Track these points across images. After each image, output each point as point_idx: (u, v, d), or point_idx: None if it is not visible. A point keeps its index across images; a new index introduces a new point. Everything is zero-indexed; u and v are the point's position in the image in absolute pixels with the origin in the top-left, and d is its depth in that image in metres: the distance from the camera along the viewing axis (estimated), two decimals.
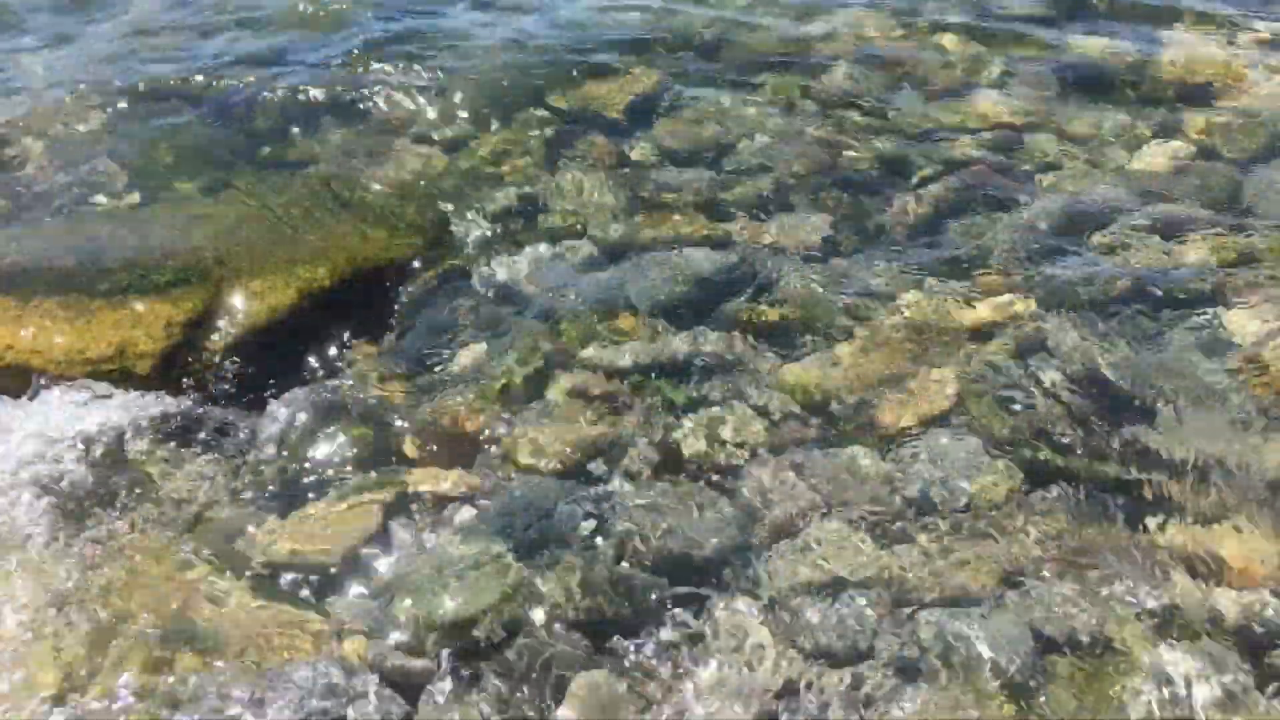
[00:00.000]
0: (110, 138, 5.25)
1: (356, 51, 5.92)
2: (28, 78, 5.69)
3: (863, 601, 3.13)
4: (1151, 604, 3.10)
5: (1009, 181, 5.02)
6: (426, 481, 3.58)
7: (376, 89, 5.58)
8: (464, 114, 5.44)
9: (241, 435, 3.79)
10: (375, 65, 5.80)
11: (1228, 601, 3.11)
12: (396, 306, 4.30)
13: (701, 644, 3.02)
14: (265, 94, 5.51)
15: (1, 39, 6.13)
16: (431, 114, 5.42)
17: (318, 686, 2.82)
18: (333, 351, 4.11)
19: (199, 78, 5.65)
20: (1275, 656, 2.95)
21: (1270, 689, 2.86)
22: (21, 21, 6.37)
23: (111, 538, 3.38)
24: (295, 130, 5.31)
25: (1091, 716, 2.80)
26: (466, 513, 3.48)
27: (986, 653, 2.95)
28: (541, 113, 5.45)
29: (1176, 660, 2.90)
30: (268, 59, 5.88)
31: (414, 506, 3.49)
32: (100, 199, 4.83)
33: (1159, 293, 4.37)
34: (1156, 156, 5.14)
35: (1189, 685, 2.84)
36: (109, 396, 3.82)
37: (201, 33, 6.11)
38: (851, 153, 5.19)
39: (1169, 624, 3.04)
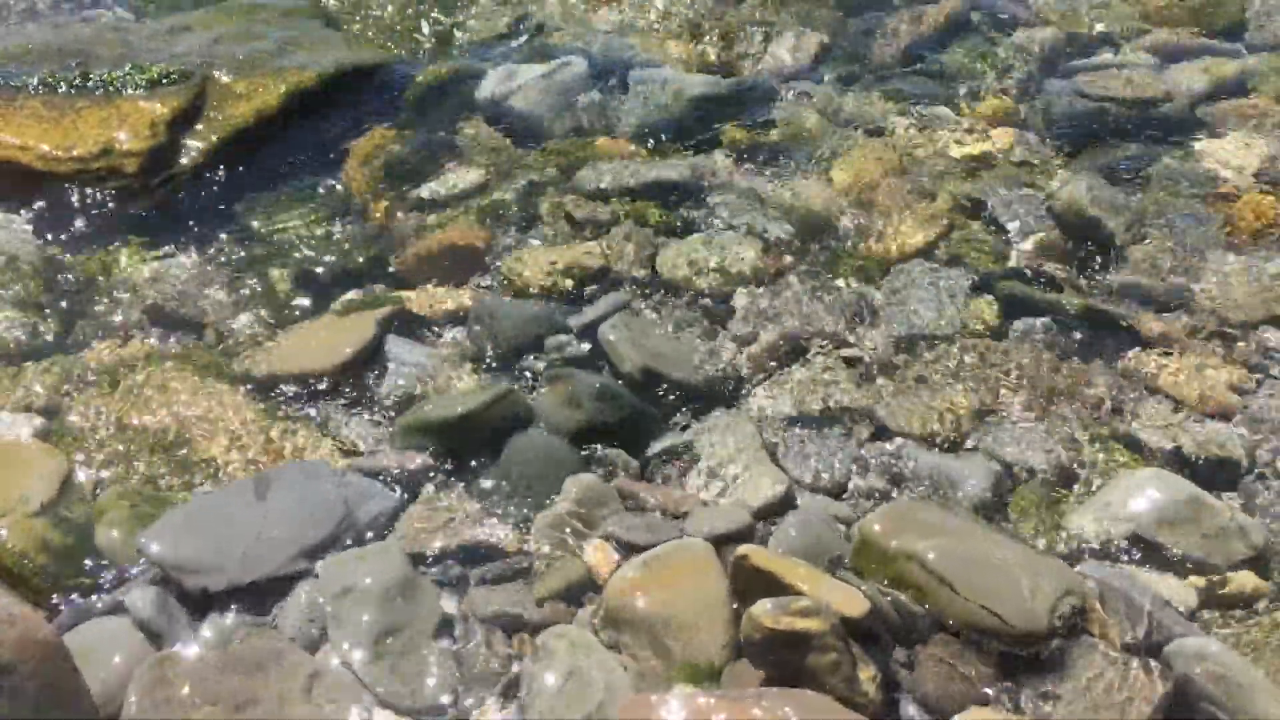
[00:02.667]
0: None
1: None
2: None
3: (843, 431, 3.21)
4: (1116, 432, 3.19)
5: (1008, 4, 4.95)
6: (418, 297, 3.62)
7: None
8: None
9: (229, 241, 3.79)
10: None
11: (1189, 429, 3.21)
12: (386, 114, 4.26)
13: (686, 456, 3.11)
14: None
15: None
16: None
17: (314, 485, 2.89)
18: (323, 157, 4.08)
19: None
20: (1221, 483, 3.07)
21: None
22: None
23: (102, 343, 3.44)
24: None
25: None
26: (458, 328, 3.53)
27: (958, 482, 3.02)
28: None
29: (1133, 482, 2.99)
30: None
31: (406, 321, 3.52)
32: (84, 7, 4.75)
33: (1150, 121, 4.38)
34: None
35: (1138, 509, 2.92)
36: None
37: None
38: None
39: (1132, 450, 3.14)
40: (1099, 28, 4.85)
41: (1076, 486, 3.03)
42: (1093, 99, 4.47)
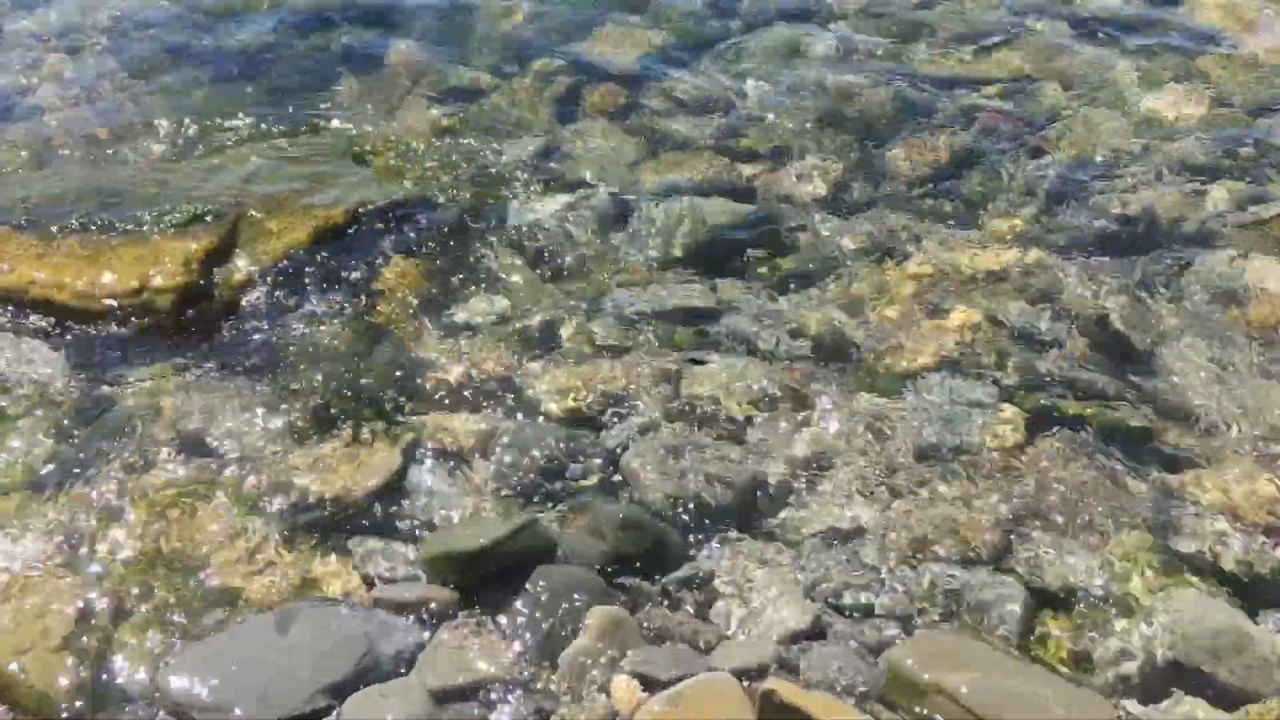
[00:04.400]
0: (137, 91, 5.29)
1: (368, 13, 5.97)
2: (57, 31, 5.76)
3: (871, 550, 3.17)
4: (1154, 545, 3.13)
5: (1021, 127, 5.03)
6: (443, 424, 3.64)
7: (390, 46, 5.63)
8: (477, 68, 5.47)
9: (260, 371, 3.84)
10: (388, 24, 5.84)
11: (1226, 541, 3.15)
12: (413, 247, 4.35)
13: (711, 584, 3.09)
14: (285, 52, 5.56)
15: None
16: (445, 70, 5.46)
17: (336, 620, 2.88)
18: (350, 287, 4.15)
19: (225, 37, 5.69)
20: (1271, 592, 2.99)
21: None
22: None
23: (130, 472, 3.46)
24: (313, 87, 5.35)
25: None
26: (481, 454, 3.53)
27: (991, 606, 2.97)
28: (555, 64, 5.46)
29: (1173, 603, 2.93)
30: (289, 20, 5.91)
31: (430, 446, 3.54)
32: (123, 149, 4.90)
33: (1170, 238, 4.41)
34: (1169, 101, 5.13)
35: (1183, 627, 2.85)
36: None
37: None
38: (861, 100, 5.20)
39: (1169, 570, 3.07)
40: (1114, 147, 4.90)
41: (1113, 610, 2.97)
42: (1111, 215, 4.51)
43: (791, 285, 4.22)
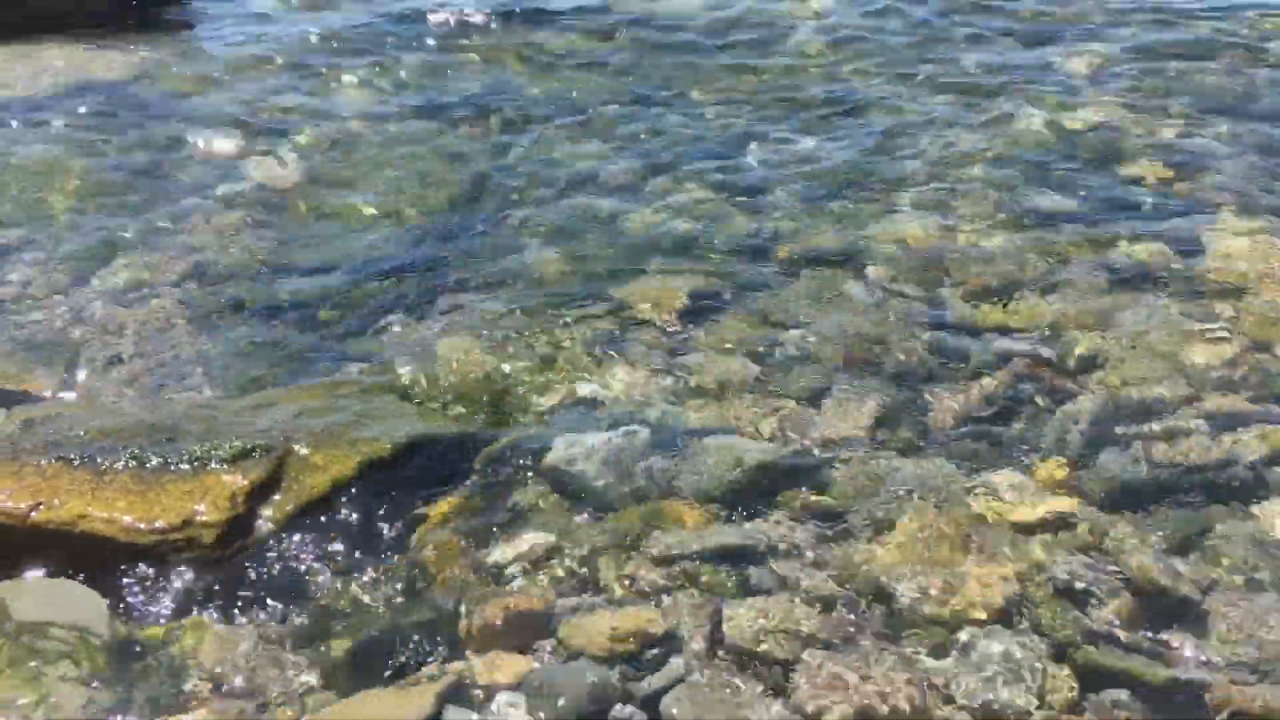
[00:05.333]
0: (192, 332, 5.51)
1: (406, 259, 6.23)
2: (115, 271, 6.05)
3: None
4: None
5: (1057, 377, 5.10)
6: (481, 666, 3.60)
7: (436, 292, 5.86)
8: (515, 311, 5.66)
9: (298, 609, 3.85)
10: (435, 270, 6.09)
11: None
12: (456, 483, 4.41)
13: None
14: (338, 299, 5.81)
15: (94, 227, 6.56)
16: (488, 311, 5.66)
17: None
18: (392, 523, 4.19)
19: (282, 289, 5.95)
20: None
21: None
22: (111, 216, 6.80)
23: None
24: (358, 330, 5.57)
25: None
26: (520, 699, 3.49)
27: None
28: (594, 309, 5.65)
29: None
30: (336, 268, 6.20)
31: (468, 691, 3.49)
32: (177, 387, 5.07)
33: (1215, 488, 4.39)
34: (1205, 350, 5.21)
35: None
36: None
37: (279, 241, 6.48)
38: (896, 347, 5.32)
39: None
40: (1151, 395, 4.95)
41: None
42: (1151, 464, 4.51)
43: (833, 527, 4.21)
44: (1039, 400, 4.95)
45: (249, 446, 4.22)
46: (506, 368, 5.18)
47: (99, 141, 7.39)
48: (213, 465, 4.12)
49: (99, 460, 4.15)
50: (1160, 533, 4.13)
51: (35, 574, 3.93)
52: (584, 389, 5.07)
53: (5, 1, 8.97)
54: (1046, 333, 5.40)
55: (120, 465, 4.11)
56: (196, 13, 9.94)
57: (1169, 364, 5.13)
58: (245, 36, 9.31)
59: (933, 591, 3.85)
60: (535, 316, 5.59)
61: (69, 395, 5.04)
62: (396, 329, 5.55)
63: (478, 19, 9.66)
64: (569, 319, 5.55)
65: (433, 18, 9.67)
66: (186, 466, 4.13)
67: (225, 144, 7.45)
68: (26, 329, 5.49)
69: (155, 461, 4.14)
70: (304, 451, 4.29)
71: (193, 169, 7.14)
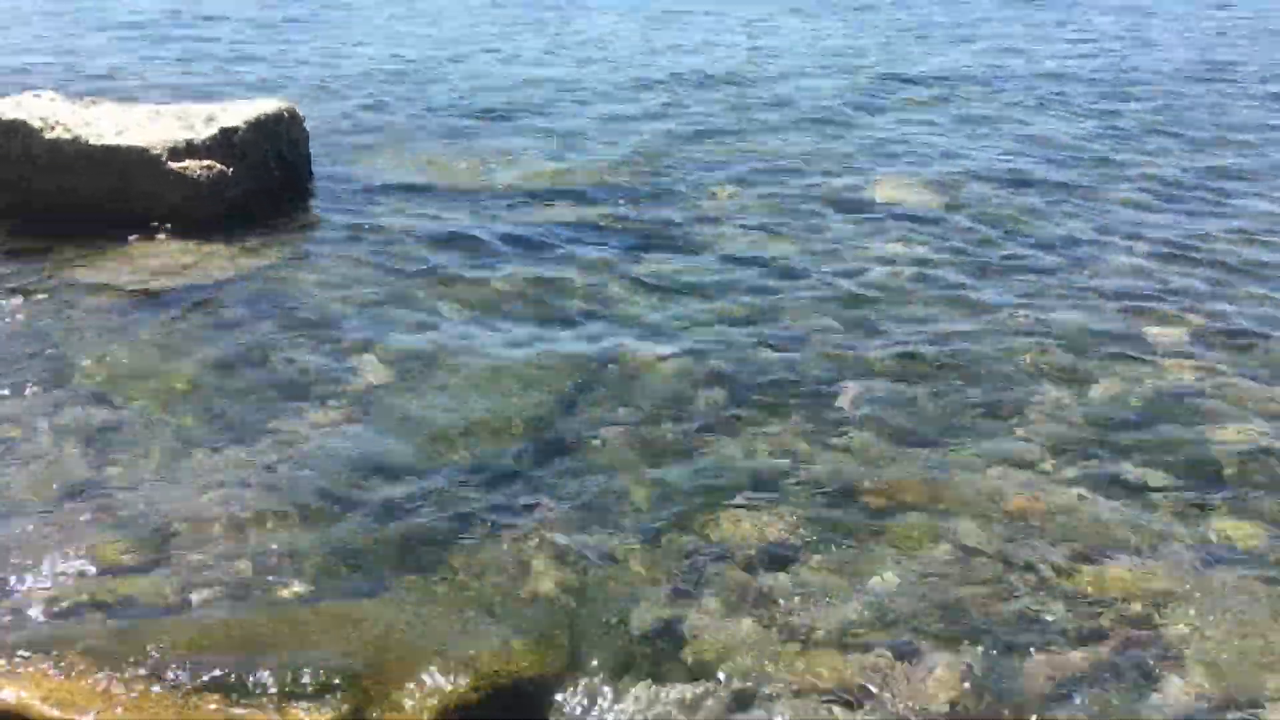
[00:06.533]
0: (280, 528, 5.62)
1: (499, 470, 6.30)
2: (216, 467, 6.22)
3: None
4: None
5: (1151, 652, 4.95)
6: None
7: (522, 511, 5.89)
8: (603, 536, 5.68)
9: None
10: (518, 489, 6.14)
11: None
12: None
13: None
14: (421, 502, 5.88)
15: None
16: (573, 539, 5.67)
17: None
18: None
19: (365, 480, 6.08)
20: None
21: None
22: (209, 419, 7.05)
23: None
24: (446, 536, 5.61)
25: None
26: None
27: None
28: (682, 542, 5.63)
29: None
30: (421, 471, 6.29)
31: None
32: (264, 586, 5.15)
33: None
34: None
35: None
36: None
37: (378, 442, 6.63)
38: (983, 606, 5.20)
39: None
40: (1251, 682, 4.75)
41: None
42: None
43: None
44: (1135, 678, 4.78)
45: (329, 679, 4.25)
46: (590, 593, 5.20)
47: (204, 339, 7.72)
48: (294, 700, 4.16)
49: (184, 683, 4.21)
50: None
51: None
52: (666, 625, 5.04)
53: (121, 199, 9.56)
54: (1143, 603, 5.25)
55: (203, 691, 4.14)
56: (314, 221, 10.45)
57: (1270, 651, 4.95)
58: (363, 246, 9.73)
59: None
60: (622, 542, 5.61)
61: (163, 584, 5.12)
62: (483, 541, 5.59)
63: (590, 247, 9.88)
64: (655, 552, 5.55)
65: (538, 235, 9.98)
66: (269, 699, 4.18)
67: (328, 345, 7.70)
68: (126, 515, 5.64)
69: (237, 689, 4.19)
70: (383, 686, 4.30)
71: (294, 369, 7.37)
